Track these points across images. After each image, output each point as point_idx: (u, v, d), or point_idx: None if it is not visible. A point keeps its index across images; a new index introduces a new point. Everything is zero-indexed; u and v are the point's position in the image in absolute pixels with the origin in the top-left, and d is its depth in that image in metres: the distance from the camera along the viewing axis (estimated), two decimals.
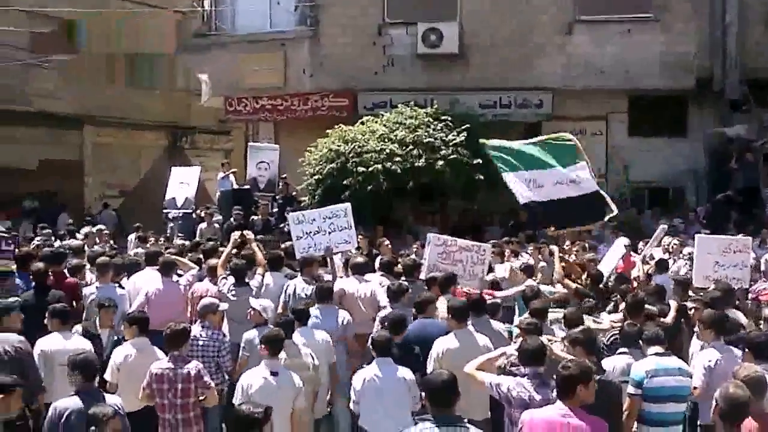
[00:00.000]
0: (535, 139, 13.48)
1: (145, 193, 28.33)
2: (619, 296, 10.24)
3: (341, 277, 11.20)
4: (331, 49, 22.06)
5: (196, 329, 8.73)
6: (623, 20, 21.68)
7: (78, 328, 9.26)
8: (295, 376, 7.56)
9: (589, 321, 9.13)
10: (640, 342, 7.67)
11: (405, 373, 7.62)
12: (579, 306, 9.46)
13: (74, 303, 10.33)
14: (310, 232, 11.86)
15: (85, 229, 18.98)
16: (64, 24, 27.70)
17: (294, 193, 20.27)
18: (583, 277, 11.48)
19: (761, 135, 20.47)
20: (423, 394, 5.96)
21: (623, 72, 21.43)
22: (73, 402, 6.58)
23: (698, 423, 7.96)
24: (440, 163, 17.51)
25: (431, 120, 18.63)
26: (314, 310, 9.43)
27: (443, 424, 5.55)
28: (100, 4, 26.31)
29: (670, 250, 14.67)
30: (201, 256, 12.45)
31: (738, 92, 21.38)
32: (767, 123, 20.71)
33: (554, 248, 12.52)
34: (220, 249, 12.25)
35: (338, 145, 18.31)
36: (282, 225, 17.12)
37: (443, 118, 18.72)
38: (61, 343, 8.29)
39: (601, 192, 12.93)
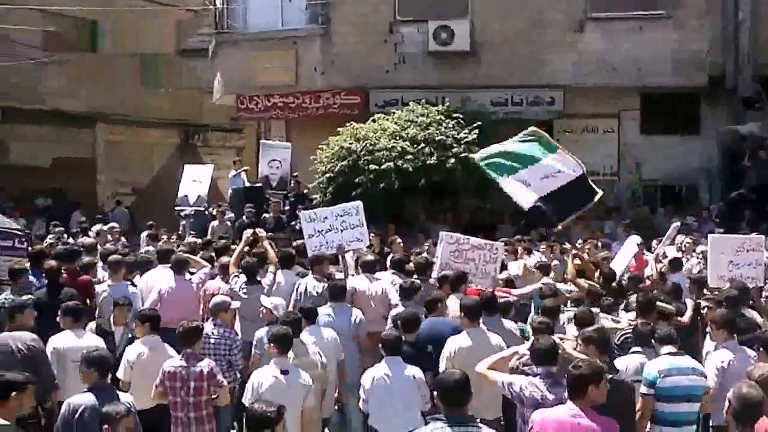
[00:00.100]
0: (513, 139, 13.19)
1: (157, 190, 28.39)
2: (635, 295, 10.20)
3: (353, 275, 11.20)
4: (343, 47, 22.06)
5: (208, 327, 8.74)
6: (635, 17, 21.60)
7: (92, 325, 9.30)
8: (305, 374, 7.56)
9: (607, 320, 9.13)
10: (653, 341, 7.65)
11: (414, 371, 7.62)
12: (596, 305, 9.44)
13: (88, 301, 10.38)
14: (322, 230, 11.84)
15: (97, 227, 19.02)
16: (76, 22, 27.82)
17: (305, 191, 20.29)
18: (596, 275, 11.44)
19: None
20: (434, 393, 5.94)
21: (635, 69, 21.34)
22: (87, 398, 6.61)
23: (710, 424, 7.91)
24: (452, 161, 17.49)
25: (443, 118, 18.61)
26: (327, 309, 9.47)
27: (455, 424, 5.52)
28: (112, 3, 26.35)
29: (683, 248, 14.62)
30: (213, 254, 12.47)
31: (751, 89, 21.29)
32: None
33: (569, 247, 12.50)
34: (232, 247, 12.26)
35: (350, 143, 18.31)
36: (293, 223, 17.13)
37: (455, 115, 18.70)
38: (73, 341, 8.31)
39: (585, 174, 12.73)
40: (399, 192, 17.62)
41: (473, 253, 10.92)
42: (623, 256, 12.28)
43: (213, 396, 7.56)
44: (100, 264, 12.31)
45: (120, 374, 8.03)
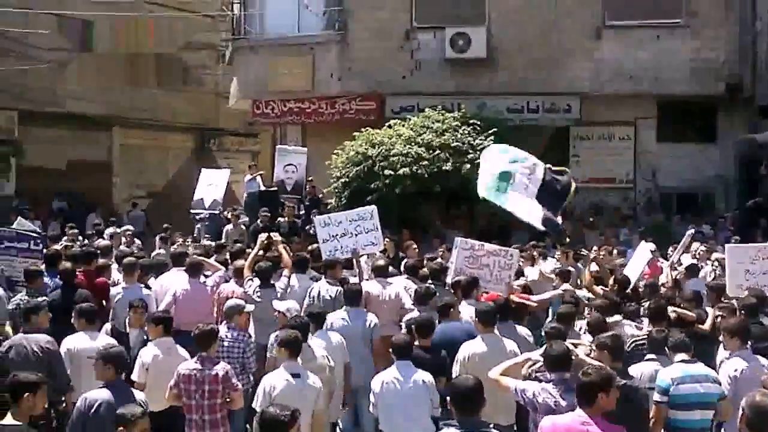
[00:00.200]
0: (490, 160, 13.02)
1: (172, 194, 28.53)
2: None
3: (366, 280, 11.20)
4: (360, 53, 22.08)
5: (222, 330, 8.74)
6: (652, 25, 21.58)
7: (107, 327, 9.35)
8: (315, 377, 7.56)
9: (631, 326, 9.09)
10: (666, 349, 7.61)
11: (424, 376, 7.59)
12: (617, 312, 9.41)
13: (104, 302, 10.42)
14: (337, 235, 11.88)
15: (110, 230, 19.12)
16: (94, 27, 27.99)
17: (320, 196, 20.30)
18: (610, 281, 11.40)
19: None
20: (448, 398, 5.92)
21: (652, 77, 21.32)
22: (103, 394, 6.69)
23: None
24: (467, 166, 17.43)
25: (459, 124, 18.59)
26: (342, 313, 9.51)
27: (468, 430, 5.51)
28: (129, 8, 26.50)
29: (698, 256, 14.53)
30: (227, 257, 12.49)
31: None
32: None
33: (585, 252, 12.48)
34: (247, 251, 12.29)
35: (365, 149, 18.29)
36: (308, 227, 17.14)
37: (471, 122, 18.67)
38: (87, 342, 8.34)
39: (547, 166, 12.57)
40: (414, 197, 17.59)
41: (488, 259, 10.89)
42: (636, 263, 12.22)
43: (227, 399, 7.57)
44: (114, 266, 12.37)
45: (135, 376, 8.05)
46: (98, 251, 12.60)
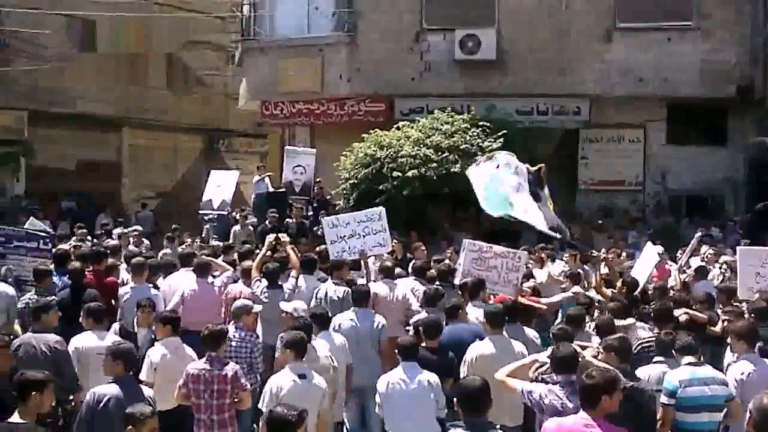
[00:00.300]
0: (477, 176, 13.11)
1: (181, 194, 28.60)
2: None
3: (374, 281, 11.20)
4: (369, 55, 22.08)
5: (230, 330, 8.75)
6: (663, 28, 21.52)
7: (115, 326, 9.37)
8: (320, 377, 7.56)
9: (644, 329, 9.06)
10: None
11: (429, 377, 7.59)
12: (630, 314, 9.39)
13: (113, 302, 10.45)
14: (344, 236, 11.89)
15: (117, 230, 19.17)
16: (103, 27, 28.07)
17: (329, 197, 20.31)
18: (618, 284, 11.37)
19: None
20: (455, 399, 5.91)
21: (662, 80, 21.26)
22: (112, 389, 6.75)
23: None
24: None
25: (468, 126, 18.56)
26: (350, 314, 9.54)
27: (475, 431, 5.50)
28: (139, 8, 26.59)
29: (706, 259, 14.49)
30: (235, 257, 12.50)
31: None
32: None
33: (596, 254, 12.48)
34: (255, 252, 12.29)
35: (374, 151, 18.29)
36: (316, 228, 17.15)
37: (480, 124, 18.65)
38: (95, 342, 8.36)
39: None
40: (422, 199, 17.58)
41: (496, 260, 10.86)
42: (644, 265, 12.16)
43: (236, 399, 7.58)
44: (123, 266, 12.40)
45: (143, 375, 8.05)
46: (108, 251, 12.64)
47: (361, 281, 10.94)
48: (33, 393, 5.91)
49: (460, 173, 17.28)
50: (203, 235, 19.11)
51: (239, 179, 21.66)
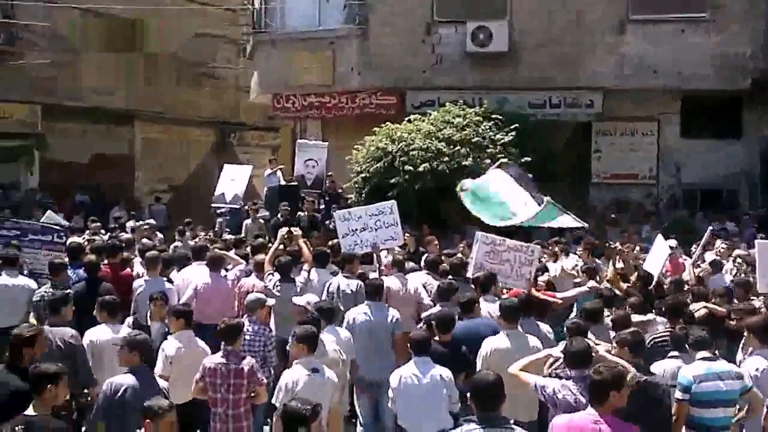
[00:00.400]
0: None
1: (193, 188, 28.66)
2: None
3: (386, 275, 11.19)
4: (380, 48, 22.05)
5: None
6: (677, 20, 21.39)
7: (129, 320, 9.39)
8: (331, 372, 7.57)
9: (664, 325, 9.02)
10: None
11: (442, 371, 7.57)
12: (649, 310, 9.36)
13: (128, 295, 10.48)
14: (356, 229, 11.90)
15: (130, 223, 19.22)
16: (117, 21, 28.10)
17: (340, 191, 20.31)
18: (632, 278, 11.32)
19: None
20: (468, 394, 5.89)
21: (676, 72, 21.14)
22: (129, 379, 6.79)
23: None
24: (488, 162, 17.36)
25: (480, 119, 18.52)
26: (364, 307, 9.50)
27: (488, 426, 5.49)
28: (152, 2, 26.60)
29: (719, 253, 14.42)
30: (247, 251, 12.51)
31: None
32: None
33: (613, 245, 12.48)
34: (268, 245, 12.30)
35: (385, 144, 18.26)
36: (328, 222, 17.15)
37: (492, 117, 18.59)
38: (109, 335, 8.38)
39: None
40: (434, 193, 17.55)
41: (509, 254, 10.81)
42: (656, 259, 12.09)
43: (252, 394, 7.59)
44: (137, 260, 12.43)
45: (159, 370, 8.00)
46: (123, 244, 12.68)
47: (373, 275, 10.92)
48: (48, 386, 5.93)
49: (471, 166, 17.30)
50: (215, 229, 19.13)
51: (251, 173, 21.68)
